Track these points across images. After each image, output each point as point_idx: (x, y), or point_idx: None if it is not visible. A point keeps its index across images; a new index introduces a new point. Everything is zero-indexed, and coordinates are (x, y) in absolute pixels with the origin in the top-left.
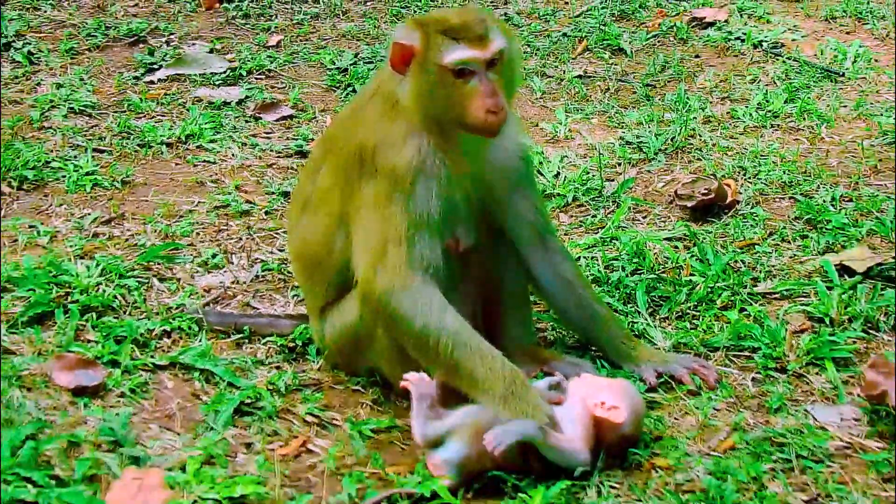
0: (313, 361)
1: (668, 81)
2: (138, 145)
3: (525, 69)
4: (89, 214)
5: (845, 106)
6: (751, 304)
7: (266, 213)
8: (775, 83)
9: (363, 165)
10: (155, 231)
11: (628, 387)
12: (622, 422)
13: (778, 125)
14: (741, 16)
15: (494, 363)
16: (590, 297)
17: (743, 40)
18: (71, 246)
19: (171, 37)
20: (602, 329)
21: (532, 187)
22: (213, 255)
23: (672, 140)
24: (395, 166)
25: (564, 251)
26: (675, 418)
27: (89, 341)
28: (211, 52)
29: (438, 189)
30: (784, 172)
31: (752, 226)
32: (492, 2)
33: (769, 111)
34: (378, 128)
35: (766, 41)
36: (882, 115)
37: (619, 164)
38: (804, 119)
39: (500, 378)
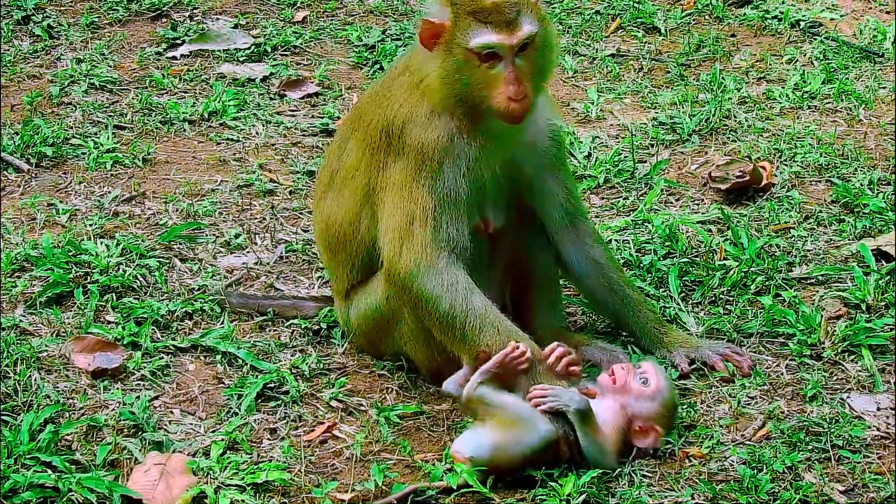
0: (338, 345)
1: (703, 61)
2: (160, 122)
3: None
4: (109, 193)
5: (884, 87)
6: (785, 290)
7: (290, 192)
8: (812, 63)
9: (391, 143)
10: (177, 210)
11: (665, 395)
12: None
13: (815, 106)
14: None
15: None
16: (621, 280)
17: (780, 19)
18: (90, 225)
19: (195, 11)
20: (633, 313)
21: (563, 169)
22: (236, 236)
23: (706, 121)
24: (423, 145)
25: (595, 234)
26: (708, 406)
27: (109, 322)
28: (235, 27)
29: (466, 170)
30: (821, 155)
31: (787, 209)
32: None
33: (806, 92)
34: (407, 105)
35: (803, 20)
36: None
37: (652, 146)
38: (842, 100)
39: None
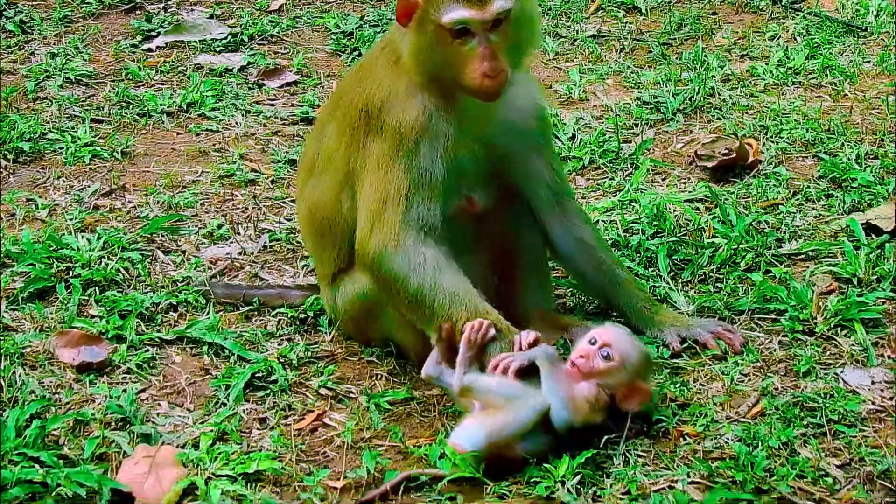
0: (325, 333)
1: (685, 40)
2: (138, 115)
3: None
4: (89, 186)
5: (868, 61)
6: (776, 266)
7: (272, 181)
8: (795, 39)
9: (370, 122)
10: (158, 202)
11: (632, 357)
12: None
13: (799, 82)
14: None
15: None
16: (609, 260)
17: None
18: (71, 219)
19: (169, 3)
20: (622, 293)
21: (548, 148)
22: (219, 226)
23: (690, 99)
24: (400, 123)
25: (582, 214)
26: (702, 384)
27: (93, 316)
28: (211, 17)
29: (443, 149)
30: (807, 130)
31: (775, 186)
32: None
33: (790, 68)
34: (385, 83)
35: None
36: None
37: (636, 126)
38: (826, 76)
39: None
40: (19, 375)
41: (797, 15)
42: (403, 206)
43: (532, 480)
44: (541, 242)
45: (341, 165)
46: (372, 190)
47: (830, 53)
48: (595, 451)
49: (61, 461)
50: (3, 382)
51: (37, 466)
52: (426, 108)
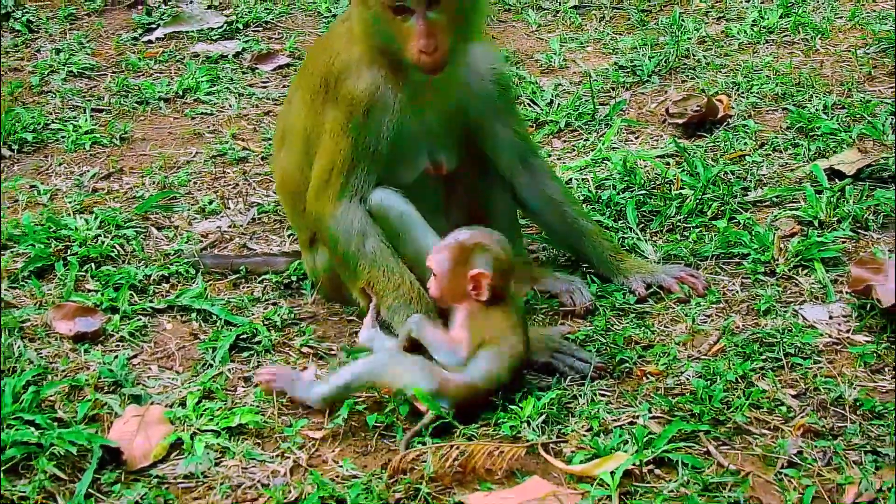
0: (308, 295)
1: (664, 6)
2: (136, 102)
3: (520, 3)
4: (88, 171)
5: (840, 17)
6: (740, 213)
7: (262, 158)
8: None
9: (328, 91)
10: (153, 183)
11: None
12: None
13: (773, 40)
14: None
15: (404, 287)
16: (575, 213)
17: None
18: (70, 202)
19: None
20: (589, 244)
21: (511, 112)
22: (210, 202)
23: (666, 61)
24: (352, 94)
25: (549, 171)
26: (665, 326)
27: (89, 290)
28: (209, 8)
29: (391, 122)
30: (777, 85)
31: (743, 138)
32: None
33: (764, 27)
34: (342, 55)
35: None
36: (877, 23)
37: (613, 89)
38: (799, 32)
39: (405, 303)
40: (18, 347)
41: None
42: (344, 175)
43: (499, 422)
44: (510, 201)
45: (305, 133)
46: (322, 158)
47: (804, 11)
48: (561, 392)
49: (55, 423)
50: (2, 353)
51: (32, 429)
52: (376, 81)
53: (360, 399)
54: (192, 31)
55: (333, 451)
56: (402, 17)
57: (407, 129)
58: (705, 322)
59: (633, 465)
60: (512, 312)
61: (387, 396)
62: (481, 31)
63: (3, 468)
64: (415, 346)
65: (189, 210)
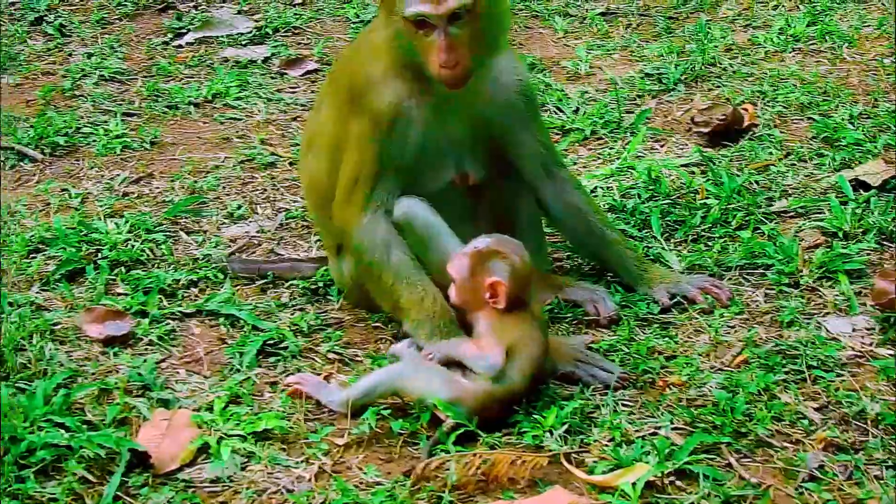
0: (335, 301)
1: (691, 13)
2: (166, 107)
3: (547, 10)
4: (119, 175)
5: (868, 25)
6: (765, 224)
7: (290, 163)
8: (798, 7)
9: (353, 101)
10: (182, 187)
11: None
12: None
13: (799, 48)
14: None
15: (427, 301)
16: (600, 222)
17: None
18: (101, 206)
19: (199, 1)
20: (613, 253)
21: (535, 122)
22: (239, 207)
23: (692, 69)
24: (377, 106)
25: (574, 181)
26: (688, 336)
27: (119, 294)
28: (238, 13)
29: (416, 134)
30: (803, 94)
31: (768, 147)
32: None
33: (790, 35)
34: (368, 66)
35: None
36: None
37: (639, 97)
38: (825, 41)
39: (428, 317)
40: (49, 350)
41: None
42: (369, 187)
43: (522, 431)
44: (536, 210)
45: (332, 141)
46: (348, 167)
47: (831, 20)
48: (583, 402)
49: (85, 426)
50: (33, 357)
51: (62, 431)
52: (400, 94)
53: (385, 406)
54: (222, 36)
55: (358, 457)
56: (425, 32)
57: (432, 140)
58: (728, 333)
59: (655, 476)
60: (530, 320)
61: (411, 403)
62: (505, 45)
63: (33, 469)
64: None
65: (218, 215)
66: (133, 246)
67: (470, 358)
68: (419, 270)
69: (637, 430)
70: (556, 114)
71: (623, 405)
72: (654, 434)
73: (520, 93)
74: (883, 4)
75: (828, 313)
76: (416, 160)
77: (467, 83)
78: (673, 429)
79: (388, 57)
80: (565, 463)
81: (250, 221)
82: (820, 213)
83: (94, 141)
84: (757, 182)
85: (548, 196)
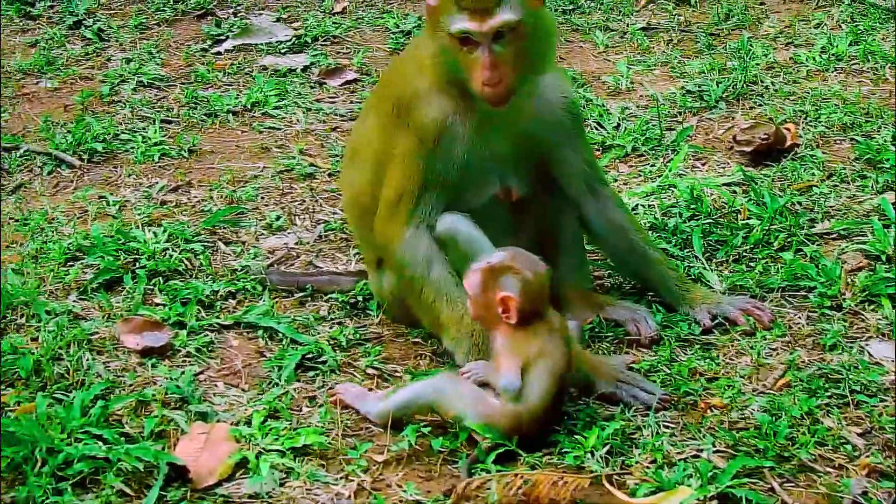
0: (374, 316)
1: (732, 30)
2: (205, 115)
3: (588, 23)
4: (157, 183)
5: None
6: (807, 245)
7: (329, 175)
8: (840, 27)
9: (399, 116)
10: (221, 197)
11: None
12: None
13: (841, 68)
14: None
15: (466, 319)
16: (642, 241)
17: None
18: (139, 214)
19: (239, 8)
20: (655, 272)
21: (580, 139)
22: (277, 218)
23: (733, 87)
24: (423, 122)
25: (616, 199)
26: (730, 359)
27: (157, 304)
28: (277, 21)
29: (461, 151)
30: (845, 114)
31: (810, 168)
32: None
33: (833, 55)
34: (414, 81)
35: None
36: None
37: (680, 114)
38: (868, 61)
39: (467, 334)
40: (86, 360)
41: (843, 3)
42: (413, 202)
43: (563, 451)
44: (578, 227)
45: (376, 154)
46: (392, 182)
47: (874, 40)
48: (625, 423)
49: (123, 438)
50: (70, 367)
51: (100, 443)
52: (445, 110)
53: (425, 423)
54: (261, 44)
55: (397, 474)
56: (469, 49)
57: (476, 157)
58: (770, 356)
59: (697, 500)
60: (545, 334)
61: (450, 421)
62: (551, 63)
63: (70, 482)
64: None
65: (256, 225)
66: (171, 256)
67: (491, 379)
68: (459, 287)
69: (679, 453)
70: (596, 129)
71: (664, 427)
72: (696, 457)
73: (565, 110)
74: None
75: (870, 337)
76: (460, 176)
77: (510, 101)
78: (715, 452)
79: (433, 73)
80: (607, 484)
81: (289, 233)
82: (863, 235)
83: (133, 148)
84: (799, 203)
85: (590, 213)
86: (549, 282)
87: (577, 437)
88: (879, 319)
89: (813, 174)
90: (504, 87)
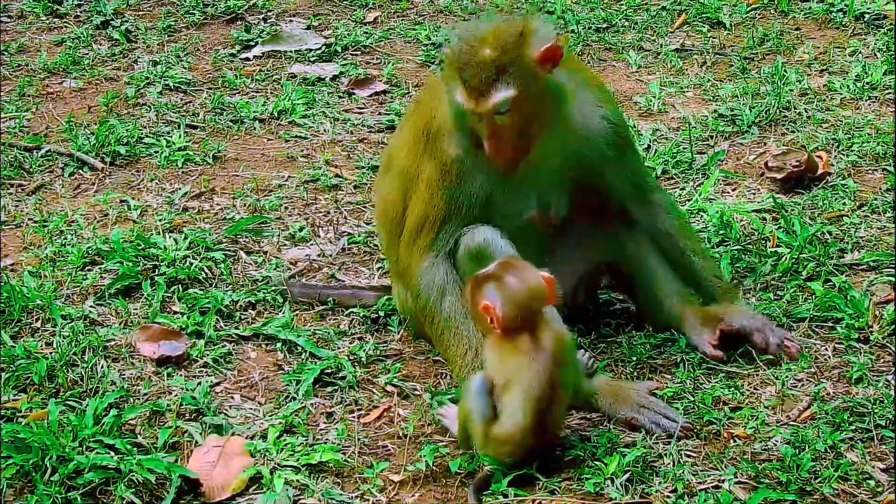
0: (395, 332)
1: (767, 54)
2: (231, 121)
3: (621, 43)
4: (180, 189)
5: None
6: (836, 276)
7: (355, 187)
8: (875, 55)
9: (427, 142)
10: (244, 205)
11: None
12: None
13: (875, 97)
14: None
15: (469, 356)
16: (689, 249)
17: (845, 12)
18: (160, 220)
19: (269, 14)
20: (702, 281)
21: (627, 148)
22: (301, 229)
23: (766, 112)
24: (446, 155)
25: (668, 205)
26: (754, 388)
27: (175, 312)
28: (308, 28)
29: (483, 185)
30: (878, 144)
31: (841, 197)
32: None
33: (867, 83)
34: (440, 114)
35: (868, 13)
36: None
37: (712, 137)
38: None
39: (470, 368)
40: (101, 367)
41: (878, 31)
42: (434, 231)
43: (583, 477)
44: (650, 246)
45: (404, 169)
46: (416, 206)
47: None
48: (646, 450)
49: (135, 449)
50: (85, 373)
51: (111, 453)
52: (468, 149)
53: (443, 443)
54: (290, 51)
55: (413, 495)
56: (475, 117)
57: (503, 189)
58: (795, 386)
59: None
60: (529, 351)
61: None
62: (563, 117)
63: (80, 492)
64: None
65: (279, 236)
66: (191, 263)
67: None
68: (468, 321)
69: (700, 483)
70: (631, 137)
71: (686, 455)
72: (718, 487)
73: (605, 119)
74: None
75: None
76: (483, 208)
77: (519, 164)
78: (737, 483)
79: (450, 118)
80: None
81: (312, 244)
82: (892, 267)
83: (156, 152)
84: (829, 232)
85: (640, 222)
86: (545, 293)
87: (597, 462)
88: None
89: (844, 204)
90: (511, 155)
